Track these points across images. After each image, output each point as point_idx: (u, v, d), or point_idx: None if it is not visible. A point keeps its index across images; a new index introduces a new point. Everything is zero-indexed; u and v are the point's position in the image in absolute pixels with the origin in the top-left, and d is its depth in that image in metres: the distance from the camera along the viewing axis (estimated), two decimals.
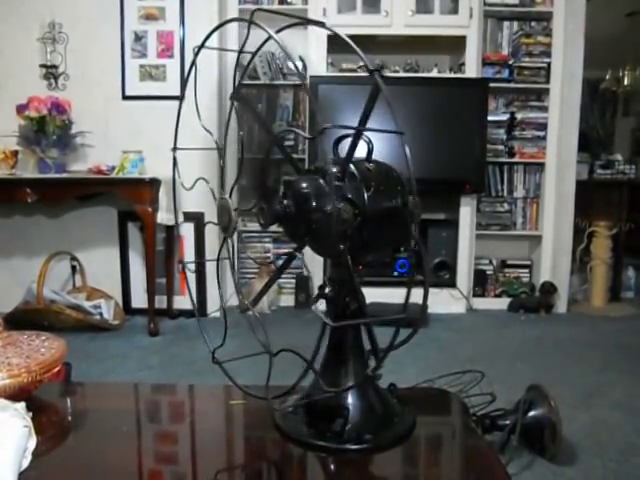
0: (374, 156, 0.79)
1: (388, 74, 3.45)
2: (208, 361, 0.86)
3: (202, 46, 0.80)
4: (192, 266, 3.14)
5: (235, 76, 0.82)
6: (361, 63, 3.45)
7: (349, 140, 0.75)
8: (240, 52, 0.82)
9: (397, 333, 0.72)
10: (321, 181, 0.75)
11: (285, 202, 0.76)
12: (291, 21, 0.71)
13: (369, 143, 0.77)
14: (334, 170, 0.74)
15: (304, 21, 0.71)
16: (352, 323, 0.81)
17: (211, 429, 0.90)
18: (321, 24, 0.70)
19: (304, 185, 0.76)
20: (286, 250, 3.52)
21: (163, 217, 2.89)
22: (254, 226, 3.51)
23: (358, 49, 0.62)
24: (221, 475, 0.78)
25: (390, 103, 0.60)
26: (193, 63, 0.81)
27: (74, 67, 3.19)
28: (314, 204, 0.74)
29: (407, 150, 0.62)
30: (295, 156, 3.45)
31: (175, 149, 0.85)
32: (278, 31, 0.69)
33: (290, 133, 3.48)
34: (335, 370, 0.83)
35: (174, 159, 0.86)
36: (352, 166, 0.75)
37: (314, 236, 0.77)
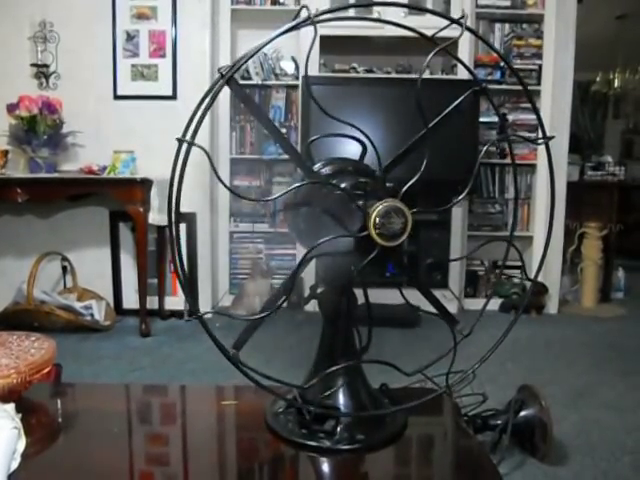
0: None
1: (380, 75, 3.45)
2: (200, 362, 0.86)
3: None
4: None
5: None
6: (354, 64, 3.45)
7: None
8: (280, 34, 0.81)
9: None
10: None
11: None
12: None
13: (363, 144, 0.78)
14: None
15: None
16: None
17: (203, 430, 0.90)
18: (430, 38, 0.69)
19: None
20: (279, 251, 3.52)
21: (155, 217, 2.87)
22: (245, 227, 3.50)
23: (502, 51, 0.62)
24: (213, 476, 0.77)
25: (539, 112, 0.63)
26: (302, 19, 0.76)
27: (65, 66, 3.17)
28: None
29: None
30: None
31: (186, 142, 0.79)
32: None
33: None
34: (327, 369, 0.83)
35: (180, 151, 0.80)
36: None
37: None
